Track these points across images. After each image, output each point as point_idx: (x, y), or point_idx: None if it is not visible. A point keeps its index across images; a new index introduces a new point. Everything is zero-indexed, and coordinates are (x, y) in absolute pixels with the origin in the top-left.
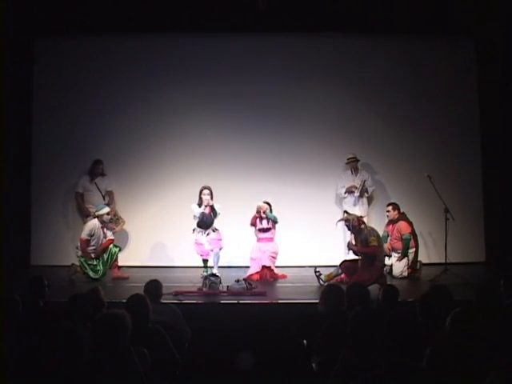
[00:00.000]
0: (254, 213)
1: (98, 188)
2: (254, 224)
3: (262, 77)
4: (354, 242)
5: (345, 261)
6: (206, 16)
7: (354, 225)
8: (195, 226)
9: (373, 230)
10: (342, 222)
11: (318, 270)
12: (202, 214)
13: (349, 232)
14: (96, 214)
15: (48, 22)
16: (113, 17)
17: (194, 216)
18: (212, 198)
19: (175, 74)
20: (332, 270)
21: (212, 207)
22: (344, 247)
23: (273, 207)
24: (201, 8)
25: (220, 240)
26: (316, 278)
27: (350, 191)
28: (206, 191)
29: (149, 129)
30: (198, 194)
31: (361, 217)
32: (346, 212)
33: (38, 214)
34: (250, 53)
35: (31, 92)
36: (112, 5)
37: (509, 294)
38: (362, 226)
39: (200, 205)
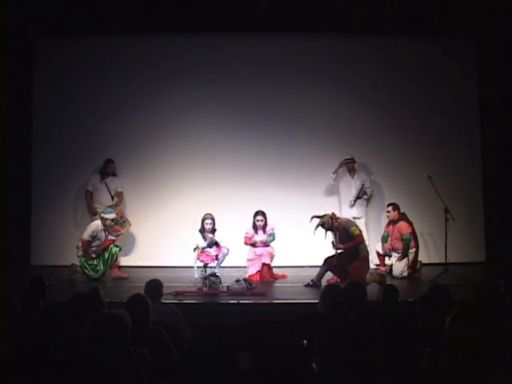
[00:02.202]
0: (251, 211)
1: (108, 188)
2: (248, 244)
3: (262, 77)
4: (336, 241)
5: (327, 258)
6: (205, 16)
7: (330, 225)
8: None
9: (348, 220)
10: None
11: (308, 282)
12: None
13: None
14: (101, 215)
15: (48, 21)
16: (114, 17)
17: (197, 246)
18: (214, 225)
19: (177, 74)
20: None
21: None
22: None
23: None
24: (201, 8)
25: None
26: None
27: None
28: (208, 221)
29: (155, 130)
30: (201, 221)
31: (333, 214)
32: (314, 216)
33: (39, 214)
34: (250, 53)
35: (31, 91)
36: (112, 5)
37: (509, 294)
38: (338, 221)
39: (202, 231)
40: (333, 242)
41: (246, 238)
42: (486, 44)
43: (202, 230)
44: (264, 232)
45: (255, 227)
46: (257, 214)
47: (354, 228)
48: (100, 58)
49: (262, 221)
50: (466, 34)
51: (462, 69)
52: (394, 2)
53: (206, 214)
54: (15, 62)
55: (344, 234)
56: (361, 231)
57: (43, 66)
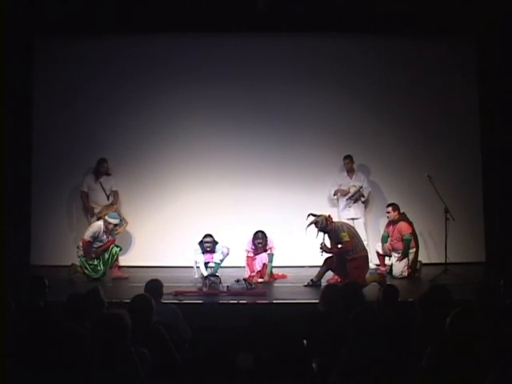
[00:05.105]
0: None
1: (103, 187)
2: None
3: (261, 77)
4: (327, 243)
5: (327, 258)
6: (206, 16)
7: (323, 225)
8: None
9: (342, 225)
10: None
11: (308, 282)
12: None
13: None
14: (106, 218)
15: (48, 21)
16: (113, 17)
17: (197, 263)
18: (214, 244)
19: (176, 74)
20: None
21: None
22: None
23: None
24: (201, 8)
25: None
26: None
27: (342, 194)
28: (207, 244)
29: (153, 129)
30: (201, 238)
31: (329, 216)
32: (311, 214)
33: (38, 214)
34: (250, 53)
35: (31, 91)
36: (112, 5)
37: (509, 294)
38: (332, 224)
39: (201, 244)
40: (321, 244)
41: (247, 257)
42: (485, 44)
43: (203, 249)
44: (265, 251)
45: (255, 245)
46: (256, 236)
47: (344, 233)
48: (99, 57)
49: (261, 243)
50: (466, 34)
51: (462, 69)
52: (394, 2)
53: (205, 237)
54: (15, 62)
55: (335, 237)
56: (352, 238)
57: (43, 65)
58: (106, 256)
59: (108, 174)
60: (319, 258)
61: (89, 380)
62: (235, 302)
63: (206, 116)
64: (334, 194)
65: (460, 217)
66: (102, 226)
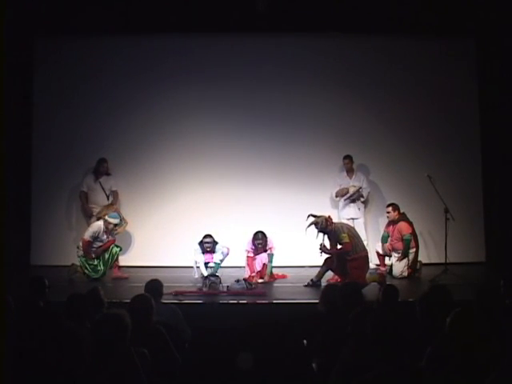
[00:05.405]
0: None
1: (102, 187)
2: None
3: (261, 77)
4: (327, 244)
5: (328, 258)
6: (205, 16)
7: (323, 226)
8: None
9: (342, 226)
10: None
11: (308, 282)
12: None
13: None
14: (106, 218)
15: (49, 21)
16: (114, 17)
17: (197, 263)
18: (214, 245)
19: (176, 74)
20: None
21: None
22: None
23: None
24: (201, 8)
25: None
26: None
27: (342, 195)
28: (207, 244)
29: (153, 129)
30: (201, 239)
31: (329, 217)
32: (311, 215)
33: (38, 214)
34: (250, 53)
35: (31, 91)
36: (113, 5)
37: (509, 294)
38: (332, 225)
39: (201, 244)
40: (321, 244)
41: (247, 257)
42: (485, 44)
43: (203, 249)
44: (265, 251)
45: (255, 245)
46: (256, 236)
47: (343, 235)
48: (99, 57)
49: (261, 244)
50: (466, 34)
51: (462, 69)
52: (394, 2)
53: (205, 237)
54: (15, 62)
55: (334, 238)
56: (351, 239)
57: (43, 65)
58: (106, 256)
59: (108, 174)
60: (319, 258)
61: (89, 380)
62: (235, 301)
63: (205, 116)
64: (336, 196)
65: (460, 217)
66: (102, 226)
